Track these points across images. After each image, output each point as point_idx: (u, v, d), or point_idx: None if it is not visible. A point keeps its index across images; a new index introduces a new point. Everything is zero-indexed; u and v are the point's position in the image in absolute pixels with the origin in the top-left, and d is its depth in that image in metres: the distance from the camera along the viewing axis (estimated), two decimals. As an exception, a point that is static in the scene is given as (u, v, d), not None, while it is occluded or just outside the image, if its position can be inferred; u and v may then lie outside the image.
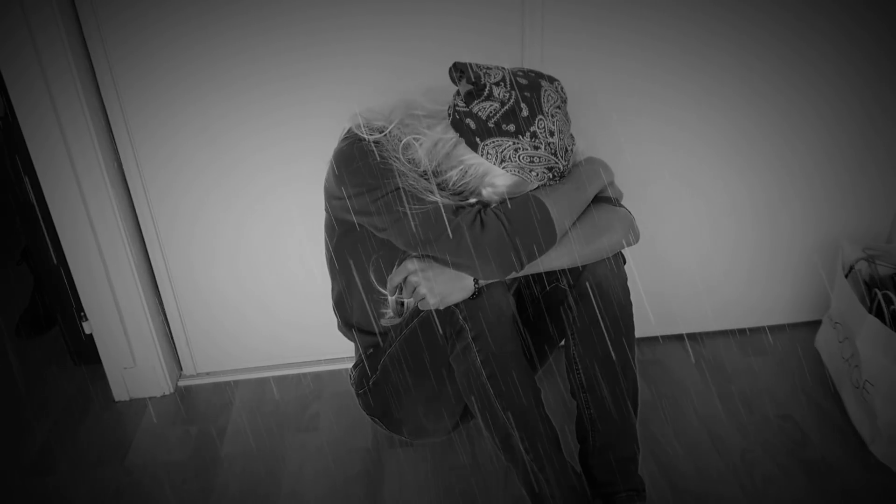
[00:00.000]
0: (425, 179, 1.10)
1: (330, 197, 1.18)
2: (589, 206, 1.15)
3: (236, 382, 1.72)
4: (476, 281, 1.09)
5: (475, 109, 1.05)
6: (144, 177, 1.51)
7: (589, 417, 1.20)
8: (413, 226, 1.05)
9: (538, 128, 1.04)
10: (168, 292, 1.63)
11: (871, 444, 1.41)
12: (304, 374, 1.74)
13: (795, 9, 1.45)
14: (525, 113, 1.04)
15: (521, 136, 1.04)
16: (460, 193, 1.10)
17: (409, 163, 1.10)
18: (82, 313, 1.61)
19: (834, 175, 1.65)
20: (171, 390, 1.70)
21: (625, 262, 1.20)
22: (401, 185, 1.06)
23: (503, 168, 1.06)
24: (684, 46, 1.47)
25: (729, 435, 1.47)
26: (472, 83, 1.06)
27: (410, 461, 1.44)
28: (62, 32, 1.32)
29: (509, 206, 1.06)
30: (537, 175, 1.08)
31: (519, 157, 1.05)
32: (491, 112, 1.04)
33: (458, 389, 1.17)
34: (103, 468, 1.47)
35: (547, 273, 1.20)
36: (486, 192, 1.09)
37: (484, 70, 1.07)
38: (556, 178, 1.10)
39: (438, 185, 1.10)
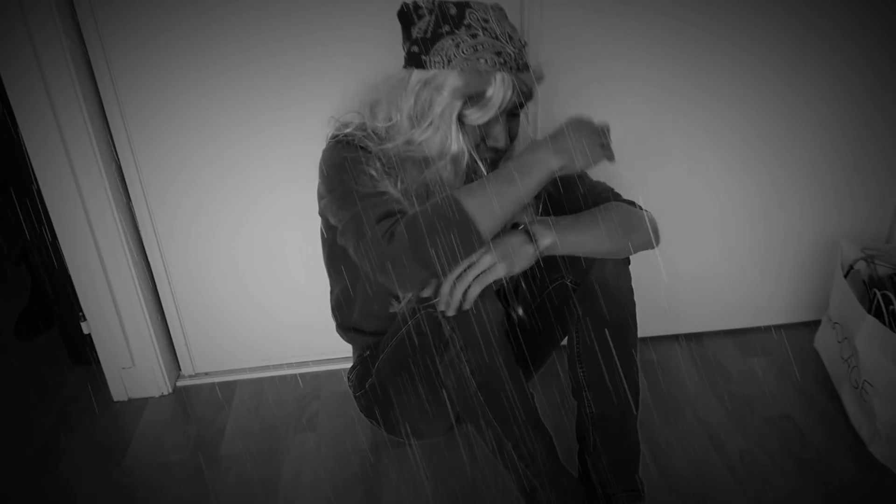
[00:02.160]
0: (387, 174, 1.11)
1: (319, 198, 1.19)
2: (617, 204, 1.17)
3: (235, 382, 1.72)
4: (535, 245, 1.08)
5: (414, 35, 1.10)
6: (143, 176, 1.50)
7: (590, 417, 1.19)
8: (342, 232, 1.07)
9: (470, 19, 1.08)
10: (166, 292, 1.63)
11: (869, 443, 1.41)
12: (303, 374, 1.73)
13: (794, 9, 1.45)
14: (453, 11, 1.08)
15: (456, 31, 1.07)
16: (451, 154, 1.11)
17: (407, 143, 1.12)
18: (81, 313, 1.61)
19: (832, 175, 1.65)
20: (170, 390, 1.70)
21: (629, 262, 1.20)
22: (354, 188, 1.06)
23: (452, 68, 1.08)
24: (681, 48, 1.47)
25: (728, 435, 1.47)
26: (404, 17, 1.11)
27: (409, 461, 1.44)
28: (60, 33, 1.32)
29: (427, 210, 1.01)
30: (487, 62, 1.07)
31: (461, 50, 1.07)
32: (423, 26, 1.08)
33: (453, 392, 1.17)
34: (102, 468, 1.47)
35: (551, 270, 1.20)
36: (447, 104, 1.09)
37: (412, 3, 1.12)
38: (513, 66, 1.09)
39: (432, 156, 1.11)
